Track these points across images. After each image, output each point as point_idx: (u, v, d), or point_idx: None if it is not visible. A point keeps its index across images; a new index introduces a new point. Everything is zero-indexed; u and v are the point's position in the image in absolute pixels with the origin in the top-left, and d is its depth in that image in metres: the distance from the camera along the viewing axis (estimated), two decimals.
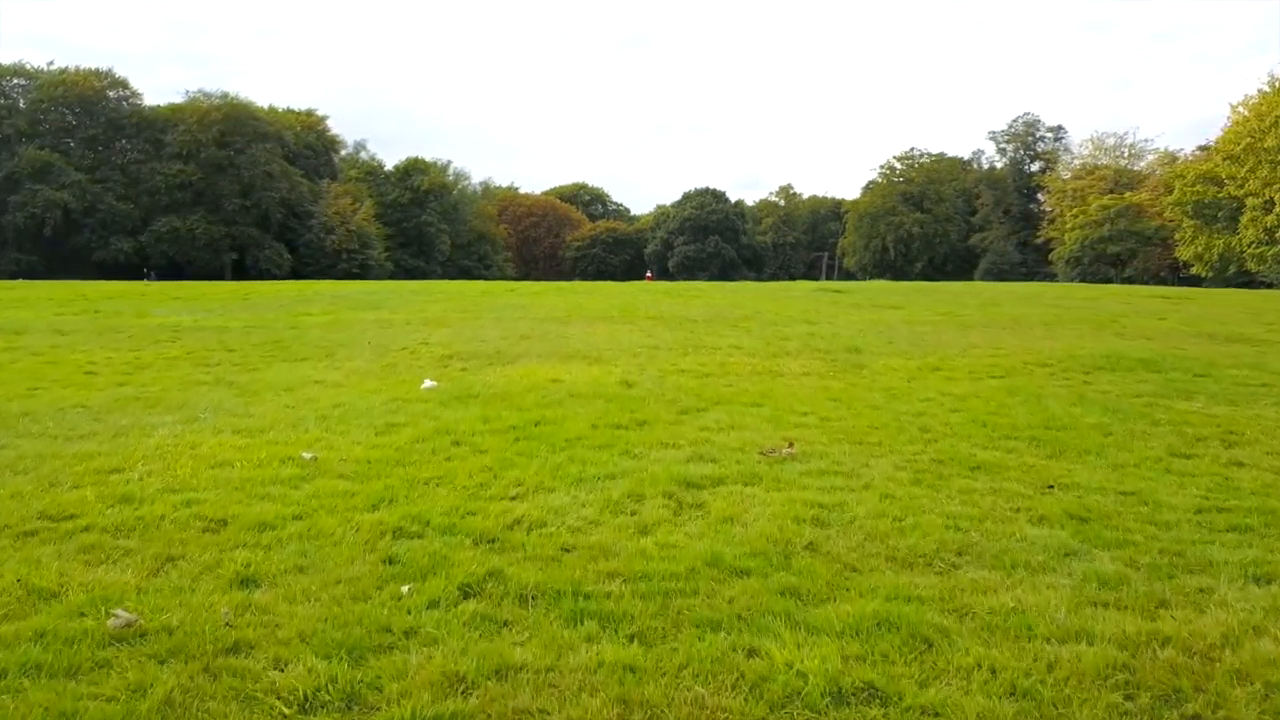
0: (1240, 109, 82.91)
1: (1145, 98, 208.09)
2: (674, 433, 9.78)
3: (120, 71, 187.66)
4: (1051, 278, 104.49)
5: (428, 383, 13.00)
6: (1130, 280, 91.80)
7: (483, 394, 12.19)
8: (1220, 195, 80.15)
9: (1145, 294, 39.38)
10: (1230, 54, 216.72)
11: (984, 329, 22.01)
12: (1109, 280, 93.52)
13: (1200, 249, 78.07)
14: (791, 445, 9.00)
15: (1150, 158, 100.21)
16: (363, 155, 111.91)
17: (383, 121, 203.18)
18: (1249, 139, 79.16)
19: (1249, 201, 77.71)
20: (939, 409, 11.52)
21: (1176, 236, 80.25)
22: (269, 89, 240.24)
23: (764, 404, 11.81)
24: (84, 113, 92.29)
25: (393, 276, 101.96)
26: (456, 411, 10.79)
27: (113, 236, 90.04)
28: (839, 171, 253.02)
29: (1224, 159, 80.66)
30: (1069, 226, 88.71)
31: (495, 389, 12.61)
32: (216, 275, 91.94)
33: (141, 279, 64.90)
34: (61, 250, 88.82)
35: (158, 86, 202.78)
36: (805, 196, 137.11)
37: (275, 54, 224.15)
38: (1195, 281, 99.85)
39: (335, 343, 18.67)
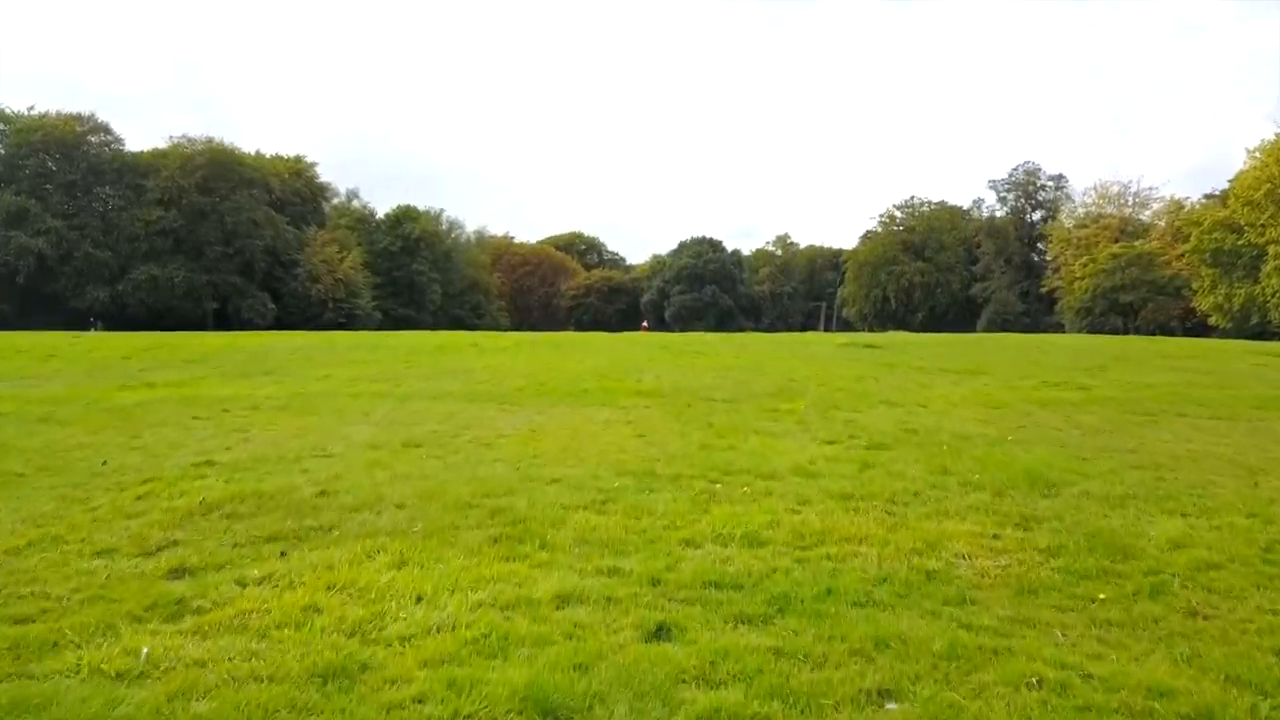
0: (1256, 154, 75.20)
1: (1142, 146, 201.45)
2: None
3: (120, 115, 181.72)
4: (1058, 328, 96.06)
5: None
6: (1139, 330, 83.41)
7: None
8: (1240, 243, 71.99)
9: (1260, 351, 30.34)
10: (1224, 103, 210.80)
11: (1176, 419, 13.12)
12: (1120, 331, 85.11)
13: (1220, 299, 69.48)
14: None
15: (1156, 205, 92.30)
16: (355, 203, 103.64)
17: (379, 167, 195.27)
18: (1268, 184, 71.29)
19: (1270, 250, 69.72)
20: None
21: (1194, 286, 71.80)
22: (268, 135, 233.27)
23: None
24: (63, 158, 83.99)
25: (381, 326, 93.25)
26: None
27: (89, 285, 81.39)
28: (835, 221, 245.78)
29: (1243, 205, 72.63)
30: (1078, 275, 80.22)
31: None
32: (197, 325, 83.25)
33: (89, 329, 56.19)
34: (35, 298, 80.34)
35: (156, 130, 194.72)
36: (803, 246, 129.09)
37: (275, 100, 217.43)
38: (1203, 331, 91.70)
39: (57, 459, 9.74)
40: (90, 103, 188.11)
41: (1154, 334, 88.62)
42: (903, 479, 8.55)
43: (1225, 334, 72.34)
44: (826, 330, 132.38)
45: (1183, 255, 78.84)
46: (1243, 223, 71.02)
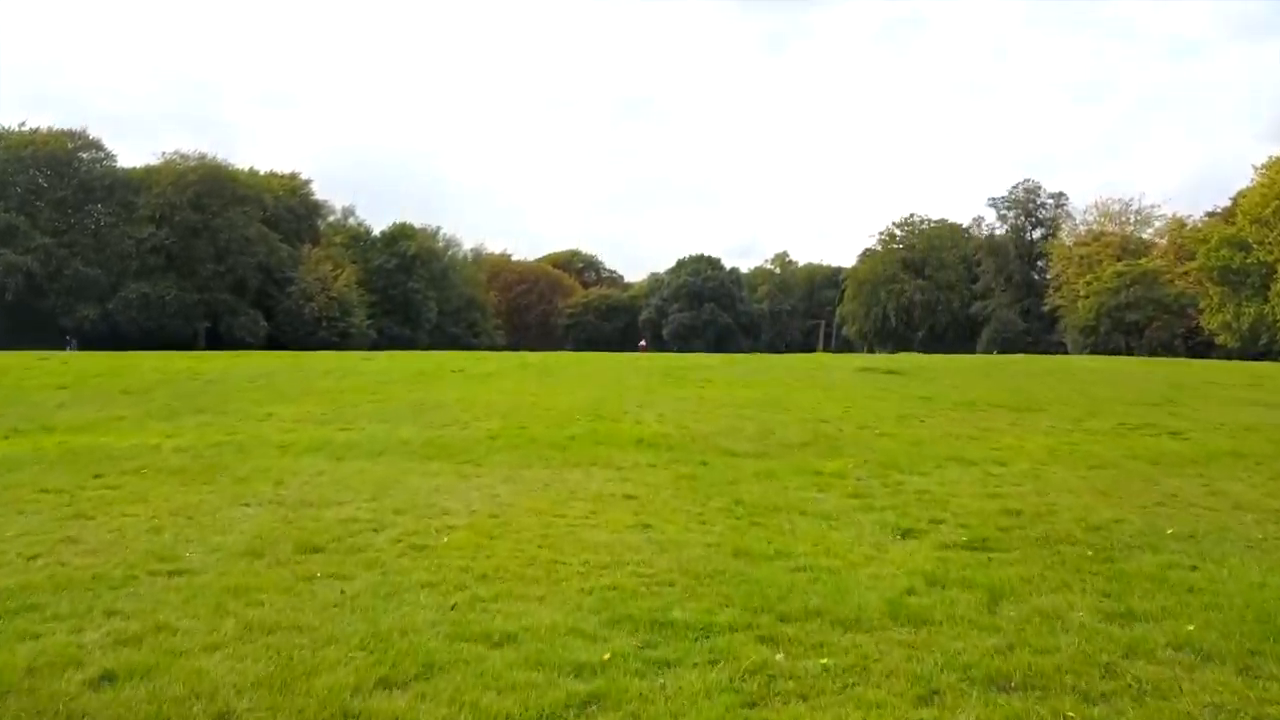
0: (1264, 171, 72.31)
1: (1134, 163, 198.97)
2: None
3: (118, 133, 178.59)
4: (1060, 347, 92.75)
5: None
6: (1143, 350, 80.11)
7: None
8: (1248, 261, 68.90)
9: None
10: (1215, 122, 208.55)
11: None
12: (1123, 350, 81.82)
13: (1228, 317, 66.20)
14: None
15: (1158, 223, 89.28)
16: (350, 220, 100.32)
17: (376, 184, 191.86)
18: (1277, 201, 68.33)
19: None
20: None
21: (1201, 304, 68.54)
22: (266, 153, 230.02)
23: None
24: (54, 174, 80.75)
25: (375, 344, 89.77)
26: None
27: (79, 303, 78.01)
28: (833, 238, 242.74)
29: (1250, 222, 69.63)
30: (1081, 294, 76.96)
31: None
32: (189, 343, 79.82)
33: (65, 348, 52.78)
34: (24, 317, 76.83)
35: (154, 149, 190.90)
36: (801, 264, 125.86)
37: (273, 118, 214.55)
38: (1206, 351, 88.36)
39: None
40: (90, 121, 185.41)
41: (1156, 353, 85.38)
42: (1063, 628, 5.17)
43: (1231, 353, 69.12)
44: (827, 349, 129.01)
45: (1188, 273, 75.80)
46: (1251, 240, 68.08)
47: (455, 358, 31.76)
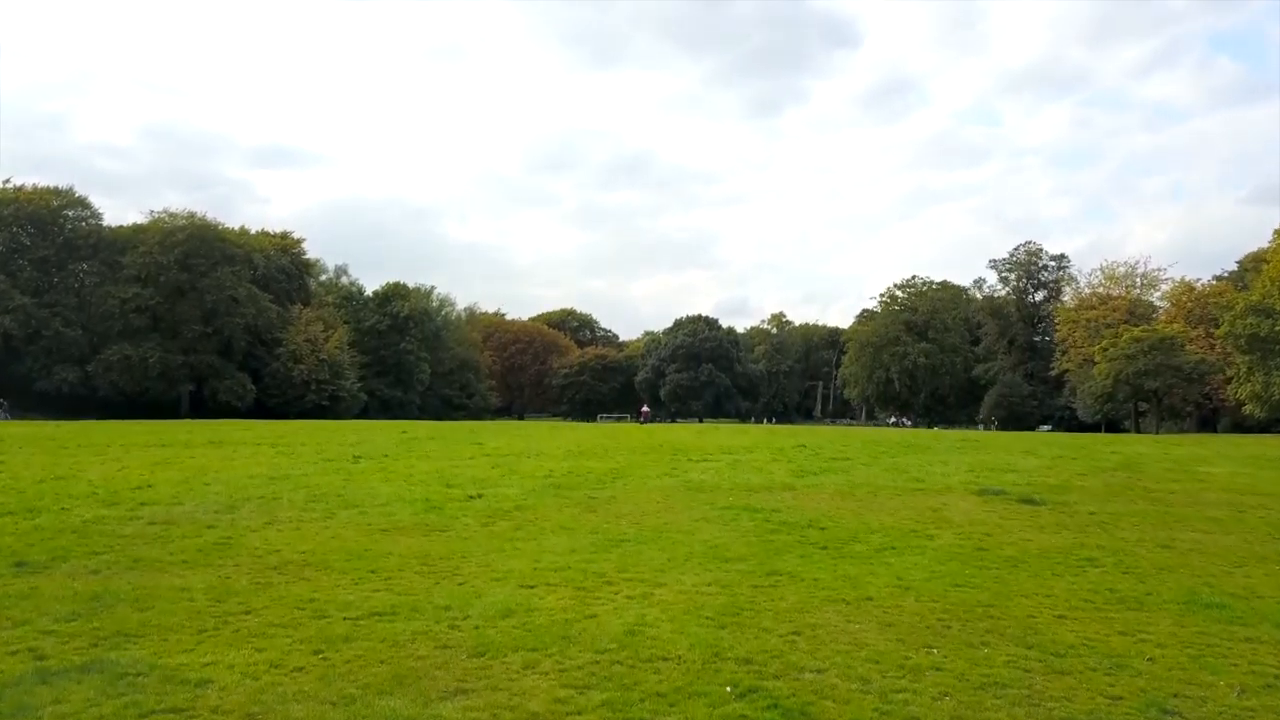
0: None
1: (1124, 227, 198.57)
2: None
3: (115, 189, 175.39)
4: (1067, 411, 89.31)
5: None
6: (1157, 418, 76.76)
7: None
8: (1277, 329, 65.68)
9: None
10: (1204, 185, 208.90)
11: None
12: (1136, 417, 78.39)
13: (1257, 387, 62.79)
14: None
15: (1164, 287, 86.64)
16: (343, 279, 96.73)
17: (368, 243, 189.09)
18: None
19: None
20: None
21: (1229, 373, 65.24)
22: (263, 211, 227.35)
23: None
24: (38, 233, 77.03)
25: (367, 407, 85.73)
26: None
27: (57, 365, 73.79)
28: (822, 300, 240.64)
29: (1277, 288, 66.53)
30: (1097, 360, 73.64)
31: None
32: (172, 408, 75.58)
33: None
34: None
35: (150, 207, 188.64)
36: (797, 323, 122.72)
37: (272, 178, 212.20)
38: (1211, 422, 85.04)
39: None
40: (88, 178, 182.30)
41: (1166, 420, 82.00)
42: None
43: (1260, 425, 65.76)
44: (824, 412, 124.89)
45: (1198, 339, 72.76)
46: (1278, 307, 65.02)
47: (423, 428, 27.71)
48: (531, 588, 8.50)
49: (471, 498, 14.46)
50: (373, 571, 9.17)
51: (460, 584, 8.69)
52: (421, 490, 15.28)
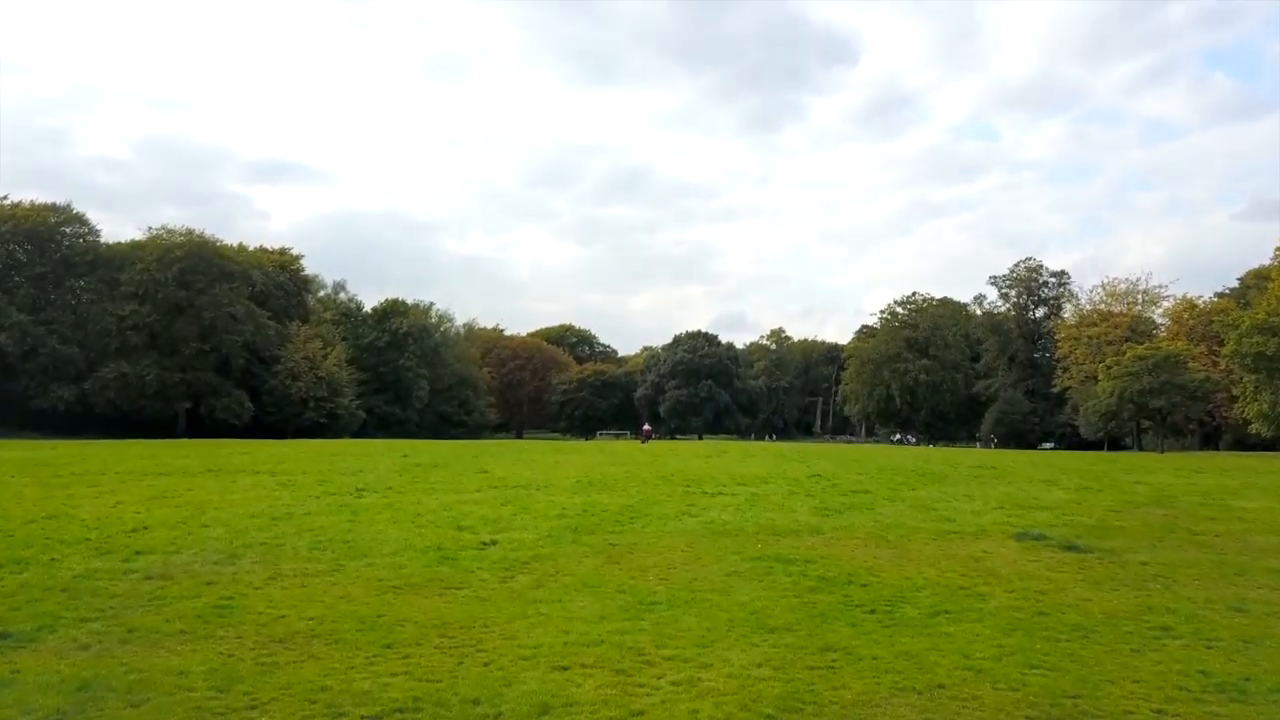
0: None
1: (1125, 242, 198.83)
2: None
3: (113, 205, 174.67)
4: (1069, 428, 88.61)
5: None
6: (1160, 436, 76.12)
7: None
8: None
9: None
10: (1200, 200, 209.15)
11: None
12: (1138, 434, 77.68)
13: (1265, 406, 62.06)
14: None
15: (1166, 303, 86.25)
16: (341, 295, 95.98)
17: (367, 257, 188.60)
18: None
19: None
20: None
21: (1236, 392, 64.63)
22: (262, 227, 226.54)
23: None
24: (35, 249, 76.32)
25: (365, 425, 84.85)
26: None
27: (53, 383, 72.98)
28: (824, 313, 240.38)
29: None
30: (1100, 378, 73.04)
31: None
32: (168, 426, 74.72)
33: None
34: None
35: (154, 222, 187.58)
36: (796, 339, 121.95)
37: (272, 194, 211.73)
38: (1213, 440, 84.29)
39: None
40: (87, 194, 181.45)
41: (1169, 439, 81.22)
42: None
43: (1264, 443, 65.07)
44: (824, 428, 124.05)
45: (1199, 356, 72.17)
46: None
47: (418, 450, 26.93)
48: (565, 669, 7.68)
49: (485, 545, 13.64)
50: (388, 647, 8.34)
51: (486, 664, 7.86)
52: (432, 535, 14.46)
